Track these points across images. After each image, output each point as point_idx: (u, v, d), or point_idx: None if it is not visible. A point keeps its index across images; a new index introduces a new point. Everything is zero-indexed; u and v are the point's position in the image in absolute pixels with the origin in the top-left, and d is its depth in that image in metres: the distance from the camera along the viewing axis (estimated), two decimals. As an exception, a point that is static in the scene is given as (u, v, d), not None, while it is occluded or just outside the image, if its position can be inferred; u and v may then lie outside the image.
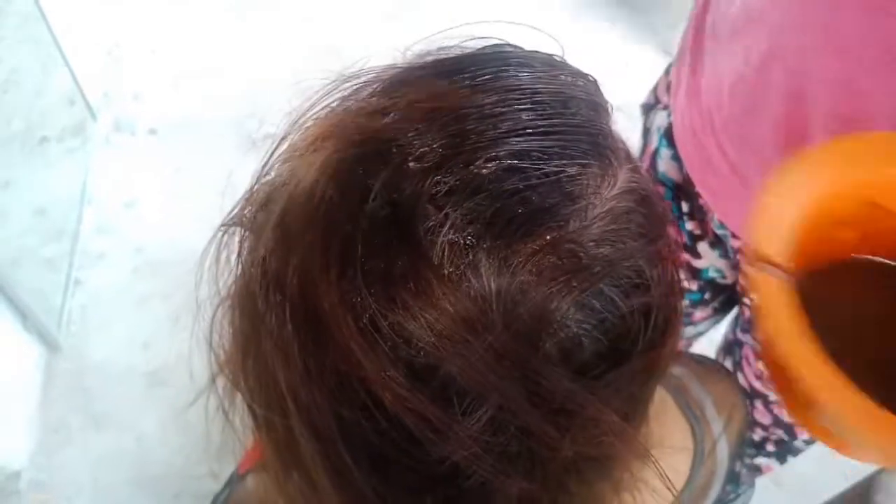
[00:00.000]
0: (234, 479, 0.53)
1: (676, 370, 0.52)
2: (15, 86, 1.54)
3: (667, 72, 0.84)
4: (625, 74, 1.34)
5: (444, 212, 0.27)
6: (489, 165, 0.28)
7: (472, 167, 0.28)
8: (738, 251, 0.79)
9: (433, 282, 0.27)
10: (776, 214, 0.42)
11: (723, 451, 0.51)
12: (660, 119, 0.83)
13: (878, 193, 0.44)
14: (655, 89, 0.86)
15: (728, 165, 0.70)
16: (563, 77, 0.33)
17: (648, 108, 0.87)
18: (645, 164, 0.85)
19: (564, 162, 0.29)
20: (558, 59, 0.34)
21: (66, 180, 1.70)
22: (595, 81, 0.34)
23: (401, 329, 0.27)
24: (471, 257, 0.27)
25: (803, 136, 0.61)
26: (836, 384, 0.38)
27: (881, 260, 0.47)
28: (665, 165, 0.82)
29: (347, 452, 0.30)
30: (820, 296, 0.43)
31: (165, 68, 1.94)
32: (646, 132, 0.87)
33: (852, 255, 0.48)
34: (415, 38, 0.34)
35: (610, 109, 0.34)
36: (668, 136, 0.80)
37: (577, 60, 0.33)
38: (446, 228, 0.27)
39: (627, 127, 0.34)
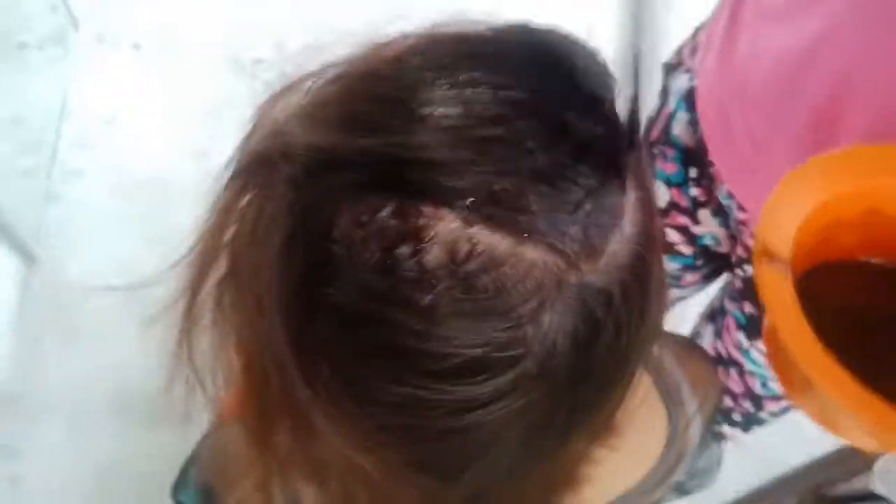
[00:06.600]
0: (217, 426, 0.52)
1: (656, 350, 0.52)
2: (-9, -14, 1.48)
3: (693, 35, 0.82)
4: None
5: None
6: None
7: None
8: (741, 223, 0.79)
9: None
10: (784, 213, 0.47)
11: (695, 430, 0.53)
12: (680, 82, 0.82)
13: (878, 201, 0.49)
14: (680, 51, 0.85)
15: (750, 141, 0.69)
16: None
17: (670, 69, 0.86)
18: (659, 126, 0.85)
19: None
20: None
21: (45, 90, 1.65)
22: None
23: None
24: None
25: (833, 131, 0.59)
26: (831, 370, 0.43)
27: (878, 262, 0.53)
28: (679, 129, 0.82)
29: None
30: (818, 292, 0.48)
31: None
32: (664, 92, 0.86)
33: (851, 257, 0.53)
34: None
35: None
36: (688, 99, 0.80)
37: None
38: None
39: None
